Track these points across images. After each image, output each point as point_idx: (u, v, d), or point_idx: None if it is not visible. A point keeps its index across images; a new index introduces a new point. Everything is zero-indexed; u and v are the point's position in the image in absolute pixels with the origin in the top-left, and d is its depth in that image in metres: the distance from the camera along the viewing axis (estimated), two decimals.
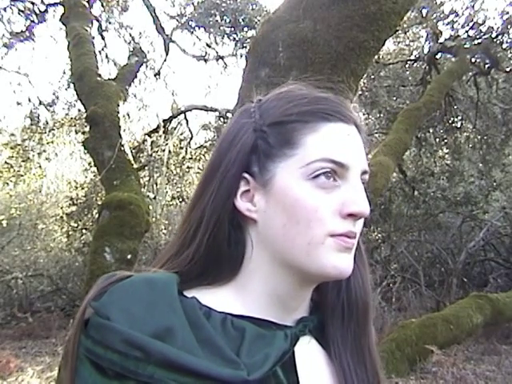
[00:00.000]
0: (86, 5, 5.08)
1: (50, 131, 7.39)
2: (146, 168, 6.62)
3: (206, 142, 8.43)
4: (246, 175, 0.61)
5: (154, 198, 7.59)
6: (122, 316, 0.52)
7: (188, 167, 8.18)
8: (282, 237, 0.59)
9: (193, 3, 7.02)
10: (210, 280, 0.63)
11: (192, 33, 7.08)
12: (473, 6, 6.43)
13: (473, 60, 6.51)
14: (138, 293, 0.54)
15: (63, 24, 5.03)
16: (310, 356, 0.64)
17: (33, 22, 6.03)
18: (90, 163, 7.15)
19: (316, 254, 0.58)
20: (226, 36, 6.88)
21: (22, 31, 6.09)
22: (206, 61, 7.40)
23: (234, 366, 0.52)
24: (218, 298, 0.61)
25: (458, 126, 7.91)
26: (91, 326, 0.52)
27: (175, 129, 7.86)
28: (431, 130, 7.88)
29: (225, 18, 6.66)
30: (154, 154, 7.15)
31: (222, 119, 7.46)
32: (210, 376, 0.50)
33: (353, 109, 0.65)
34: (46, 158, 7.79)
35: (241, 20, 6.59)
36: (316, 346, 0.66)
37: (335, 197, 0.58)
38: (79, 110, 6.98)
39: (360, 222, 0.61)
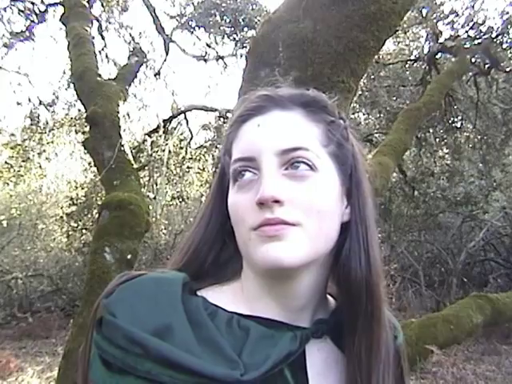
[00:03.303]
0: (86, 5, 5.07)
1: (50, 131, 7.38)
2: (146, 168, 6.61)
3: (206, 141, 8.42)
4: None
5: (154, 198, 7.59)
6: (126, 313, 0.54)
7: (188, 167, 8.17)
8: (237, 240, 0.63)
9: (193, 3, 7.01)
10: (221, 279, 0.66)
11: (192, 33, 7.07)
12: (473, 6, 6.43)
13: (473, 60, 6.49)
14: (144, 291, 0.56)
15: (63, 24, 5.02)
16: (322, 358, 0.64)
17: (33, 22, 6.02)
18: (90, 163, 7.14)
19: (250, 251, 0.59)
20: (226, 36, 6.87)
21: (22, 31, 6.07)
22: (205, 61, 7.39)
23: (231, 366, 0.53)
24: (229, 298, 0.63)
25: (458, 126, 7.90)
26: (103, 322, 0.55)
27: (175, 129, 7.85)
28: (431, 130, 7.86)
29: (225, 18, 6.65)
30: (154, 154, 7.14)
31: (222, 119, 7.46)
32: (203, 374, 0.51)
33: (282, 90, 0.66)
34: (46, 158, 7.78)
35: (241, 20, 6.58)
36: (332, 347, 0.66)
37: (254, 191, 0.58)
38: (79, 110, 6.97)
39: (289, 206, 0.57)
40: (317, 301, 0.65)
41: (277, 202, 0.56)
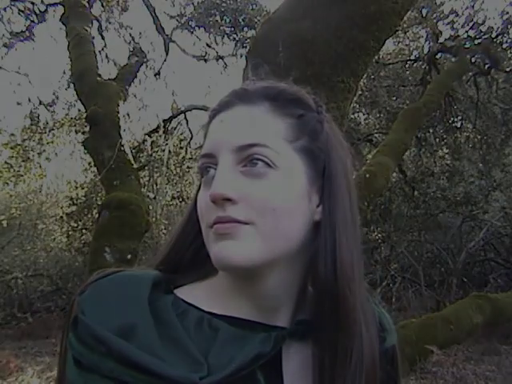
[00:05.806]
0: (86, 5, 5.08)
1: (50, 131, 7.37)
2: (146, 168, 6.61)
3: None
4: None
5: (154, 198, 7.58)
6: (94, 311, 0.53)
7: (188, 167, 8.16)
8: None
9: (193, 3, 7.01)
10: (202, 276, 0.64)
11: (192, 33, 7.07)
12: (473, 6, 6.43)
13: (473, 60, 6.50)
14: (113, 289, 0.55)
15: (63, 24, 5.03)
16: (301, 360, 0.61)
17: (33, 21, 6.03)
18: (90, 163, 7.14)
19: (209, 248, 0.58)
20: (226, 36, 6.87)
21: (22, 31, 6.08)
22: (205, 61, 7.39)
23: (195, 368, 0.52)
24: (204, 296, 0.61)
25: (458, 126, 7.90)
26: (76, 320, 0.54)
27: (175, 129, 7.85)
28: (431, 130, 7.86)
29: (225, 18, 6.65)
30: (154, 154, 7.14)
31: None
32: (161, 375, 0.50)
33: (253, 84, 0.63)
34: (46, 158, 7.77)
35: (241, 20, 6.58)
36: (311, 348, 0.62)
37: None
38: (79, 110, 6.96)
39: (242, 204, 0.55)
40: (295, 300, 0.62)
41: (228, 199, 0.54)
